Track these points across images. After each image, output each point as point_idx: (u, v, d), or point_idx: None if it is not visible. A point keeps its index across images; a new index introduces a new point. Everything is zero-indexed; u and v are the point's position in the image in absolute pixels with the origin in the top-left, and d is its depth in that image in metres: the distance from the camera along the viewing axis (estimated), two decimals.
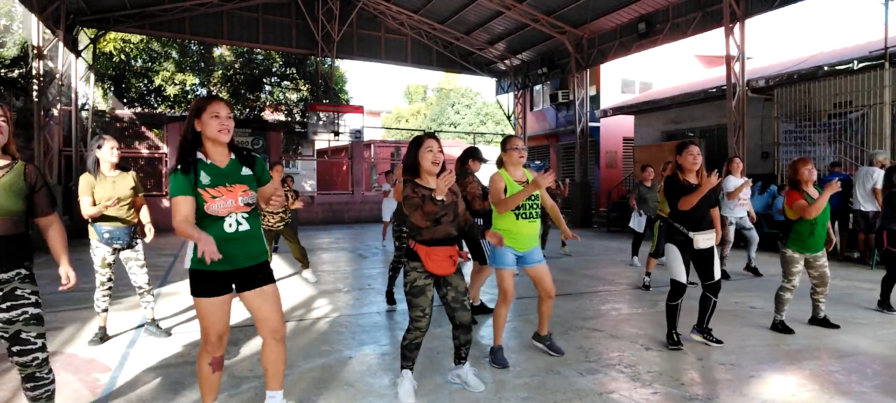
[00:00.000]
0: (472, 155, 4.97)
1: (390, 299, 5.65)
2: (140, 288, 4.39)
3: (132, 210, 4.24)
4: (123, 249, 4.26)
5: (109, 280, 4.26)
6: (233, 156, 2.55)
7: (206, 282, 2.47)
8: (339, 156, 23.58)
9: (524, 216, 3.68)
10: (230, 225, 2.46)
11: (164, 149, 16.14)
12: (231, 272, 2.50)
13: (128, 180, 4.20)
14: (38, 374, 2.37)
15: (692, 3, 12.56)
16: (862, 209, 8.17)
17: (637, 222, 8.13)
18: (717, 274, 4.13)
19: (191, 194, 2.39)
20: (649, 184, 7.99)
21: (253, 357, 3.93)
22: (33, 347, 2.33)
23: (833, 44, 13.77)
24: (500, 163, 3.85)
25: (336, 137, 17.76)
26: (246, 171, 2.55)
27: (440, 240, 3.06)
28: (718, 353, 4.05)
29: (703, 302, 4.24)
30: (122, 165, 4.24)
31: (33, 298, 2.36)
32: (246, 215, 2.51)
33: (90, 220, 4.15)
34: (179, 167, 2.42)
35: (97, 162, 4.09)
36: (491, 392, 3.28)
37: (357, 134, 18.01)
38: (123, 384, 3.44)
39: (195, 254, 2.45)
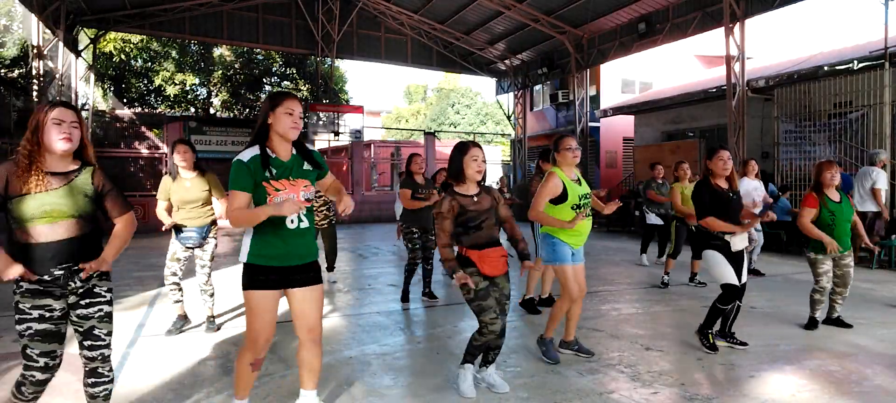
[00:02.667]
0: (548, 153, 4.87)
1: (405, 298, 5.72)
2: (199, 286, 4.59)
3: (205, 210, 4.41)
4: (195, 248, 4.46)
5: (174, 274, 4.45)
6: (294, 152, 2.59)
7: (263, 274, 2.49)
8: (339, 156, 23.56)
9: (584, 213, 3.73)
10: (292, 221, 2.49)
11: (164, 149, 16.13)
12: (287, 268, 2.53)
13: (202, 183, 4.38)
14: (100, 369, 2.42)
15: (692, 3, 12.56)
16: (859, 209, 8.17)
17: (653, 218, 8.10)
18: (744, 277, 4.08)
19: (249, 191, 2.43)
20: (660, 180, 7.97)
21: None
22: (102, 343, 2.40)
23: (833, 44, 13.76)
24: (554, 161, 3.87)
25: (336, 137, 17.77)
26: (307, 166, 2.60)
27: (487, 244, 3.12)
28: (719, 353, 4.05)
29: None
30: (199, 167, 4.41)
31: (108, 296, 2.44)
32: (305, 211, 2.54)
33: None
34: (246, 160, 2.43)
35: (175, 165, 4.35)
36: (491, 391, 3.28)
37: (357, 134, 18.01)
38: (123, 383, 3.43)
39: (253, 248, 2.49)
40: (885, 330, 4.74)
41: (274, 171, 2.47)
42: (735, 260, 4.07)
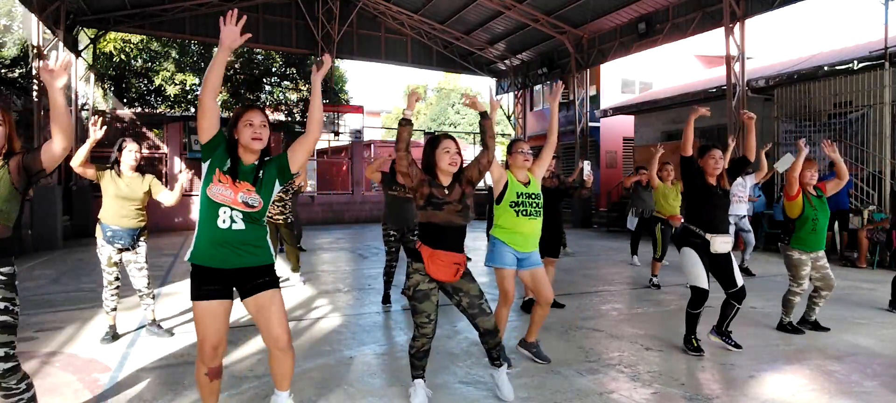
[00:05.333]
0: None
1: (386, 299, 5.65)
2: (139, 290, 4.42)
3: (139, 213, 4.27)
4: (126, 250, 4.29)
5: (117, 279, 4.29)
6: (255, 162, 2.55)
7: (205, 282, 2.45)
8: (339, 156, 23.58)
9: (524, 213, 3.62)
10: (223, 222, 2.41)
11: (164, 148, 16.13)
12: (229, 272, 2.46)
13: (142, 183, 4.25)
14: (3, 383, 2.28)
15: (692, 3, 12.55)
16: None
17: (631, 221, 8.15)
18: (740, 281, 4.02)
19: (216, 131, 2.46)
20: (645, 183, 7.99)
21: (253, 357, 3.93)
22: None
23: (833, 44, 13.77)
24: (506, 165, 3.83)
25: (336, 137, 17.77)
26: (260, 174, 2.52)
27: (442, 234, 2.96)
28: (719, 353, 4.05)
29: (725, 307, 4.13)
30: (141, 168, 4.29)
31: (2, 305, 2.28)
32: (242, 214, 2.44)
33: (98, 220, 4.22)
34: (226, 139, 2.50)
35: (118, 161, 4.19)
36: (491, 391, 3.28)
37: (357, 134, 18.02)
38: (123, 384, 3.44)
39: (195, 247, 2.45)
40: (885, 329, 4.74)
41: (228, 167, 2.45)
42: (718, 263, 4.02)
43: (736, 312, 4.13)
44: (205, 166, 2.47)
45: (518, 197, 3.63)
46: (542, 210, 3.76)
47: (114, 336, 4.36)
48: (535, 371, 3.66)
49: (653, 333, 4.61)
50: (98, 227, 4.22)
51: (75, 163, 3.99)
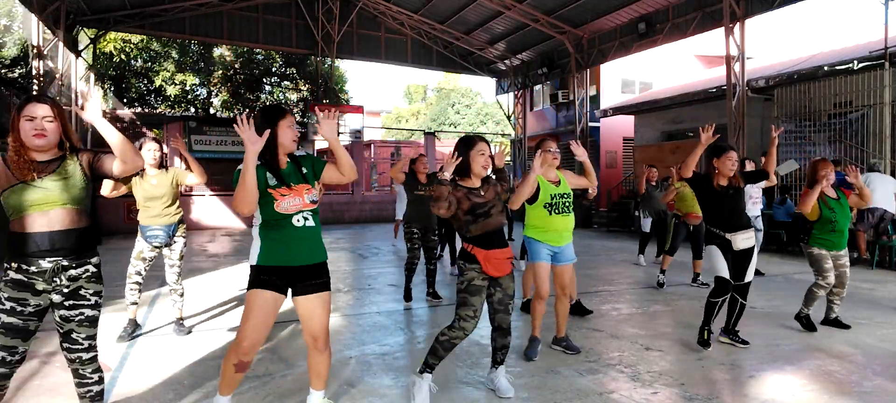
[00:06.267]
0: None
1: (407, 296, 5.73)
2: (170, 286, 4.48)
3: (172, 208, 4.31)
4: (162, 247, 4.36)
5: (139, 274, 4.33)
6: (289, 161, 2.65)
7: (266, 275, 2.52)
8: None
9: (556, 210, 3.81)
10: (298, 221, 2.55)
11: (165, 148, 16.14)
12: (293, 269, 2.56)
13: (168, 178, 4.30)
14: (81, 371, 2.40)
15: (692, 3, 12.55)
16: (870, 206, 8.16)
17: (645, 224, 8.21)
18: (750, 276, 4.10)
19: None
20: (654, 182, 8.01)
21: (256, 356, 3.92)
22: (79, 347, 2.36)
23: (833, 44, 13.76)
24: None
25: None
26: (304, 170, 2.65)
27: (495, 236, 3.06)
28: (719, 353, 4.05)
29: (730, 303, 4.18)
30: (163, 164, 4.33)
31: (94, 300, 2.38)
32: (311, 212, 2.60)
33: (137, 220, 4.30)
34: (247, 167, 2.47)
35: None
36: (491, 391, 3.28)
37: (357, 134, 18.03)
38: (123, 384, 3.43)
39: (262, 251, 2.53)
40: (885, 329, 4.74)
41: (274, 181, 2.54)
42: (739, 258, 4.08)
43: (741, 309, 4.18)
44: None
45: (552, 198, 3.83)
46: (572, 207, 3.94)
47: (133, 332, 4.40)
48: (535, 370, 3.66)
49: (653, 333, 4.61)
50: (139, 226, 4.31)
51: (105, 192, 4.10)
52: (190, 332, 4.56)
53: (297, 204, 2.55)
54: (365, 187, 19.38)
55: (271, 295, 2.53)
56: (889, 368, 3.74)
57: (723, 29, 11.34)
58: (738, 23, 11.14)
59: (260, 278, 2.53)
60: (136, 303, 4.39)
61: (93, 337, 2.41)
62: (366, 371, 3.71)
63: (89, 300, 2.36)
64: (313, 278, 2.65)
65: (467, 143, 3.13)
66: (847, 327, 4.69)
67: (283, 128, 2.58)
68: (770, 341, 4.38)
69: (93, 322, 2.39)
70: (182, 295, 4.55)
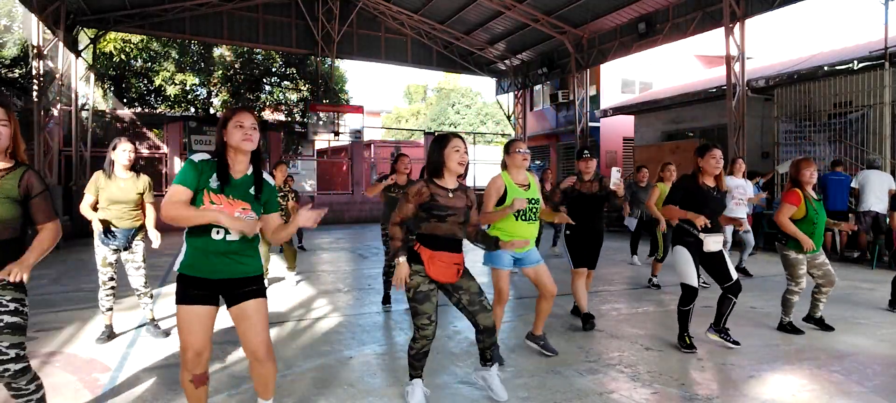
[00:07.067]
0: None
1: (386, 300, 5.65)
2: (137, 290, 4.41)
3: (135, 213, 4.25)
4: (121, 251, 4.28)
5: (111, 279, 4.29)
6: (249, 173, 2.50)
7: (192, 288, 2.40)
8: (339, 156, 23.60)
9: (523, 217, 3.69)
10: (217, 233, 2.38)
11: (165, 148, 16.14)
12: (218, 282, 2.43)
13: (137, 184, 4.22)
14: (14, 384, 2.29)
15: (692, 3, 12.55)
16: (863, 209, 8.18)
17: (629, 221, 8.18)
18: (734, 275, 4.08)
19: (191, 189, 2.33)
20: (643, 184, 8.01)
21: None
22: (5, 358, 2.24)
23: (833, 44, 13.77)
24: (504, 165, 3.84)
25: (336, 137, 17.77)
26: (252, 191, 2.49)
27: (443, 240, 2.94)
28: (718, 353, 4.05)
29: (722, 302, 4.16)
30: (135, 168, 4.25)
31: (13, 306, 2.28)
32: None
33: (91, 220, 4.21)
34: (197, 160, 2.39)
35: (112, 162, 4.15)
36: (489, 397, 3.27)
37: (357, 134, 18.02)
38: (123, 384, 3.44)
39: (185, 259, 2.42)
40: (885, 329, 4.73)
41: (218, 184, 2.38)
42: (712, 260, 4.06)
43: (732, 306, 4.16)
44: (179, 188, 2.37)
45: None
46: (538, 214, 3.80)
47: (109, 335, 4.37)
48: (534, 370, 3.66)
49: (653, 333, 4.61)
50: (94, 229, 4.22)
51: (83, 210, 4.14)
52: (168, 335, 4.50)
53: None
54: (365, 187, 19.39)
55: (201, 308, 2.40)
56: (888, 368, 3.74)
57: (723, 29, 11.34)
58: (738, 23, 11.14)
59: (185, 291, 2.40)
60: (111, 309, 4.36)
61: (18, 347, 2.29)
62: (366, 371, 3.71)
63: (7, 306, 2.26)
64: (243, 287, 2.46)
65: (441, 141, 3.00)
66: (831, 329, 4.66)
67: (231, 129, 2.43)
68: (769, 341, 4.38)
69: (14, 329, 2.27)
70: (152, 297, 4.52)
